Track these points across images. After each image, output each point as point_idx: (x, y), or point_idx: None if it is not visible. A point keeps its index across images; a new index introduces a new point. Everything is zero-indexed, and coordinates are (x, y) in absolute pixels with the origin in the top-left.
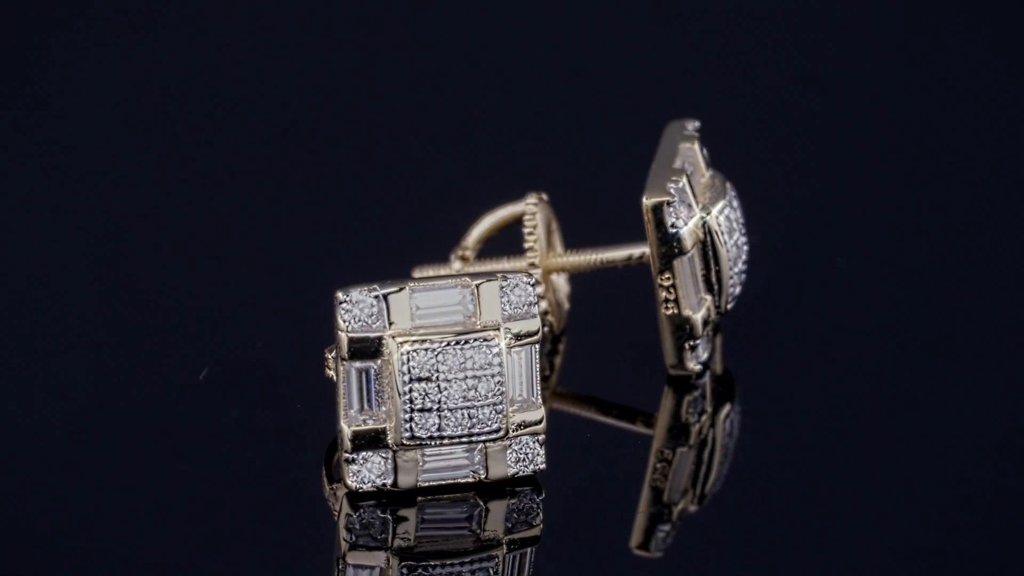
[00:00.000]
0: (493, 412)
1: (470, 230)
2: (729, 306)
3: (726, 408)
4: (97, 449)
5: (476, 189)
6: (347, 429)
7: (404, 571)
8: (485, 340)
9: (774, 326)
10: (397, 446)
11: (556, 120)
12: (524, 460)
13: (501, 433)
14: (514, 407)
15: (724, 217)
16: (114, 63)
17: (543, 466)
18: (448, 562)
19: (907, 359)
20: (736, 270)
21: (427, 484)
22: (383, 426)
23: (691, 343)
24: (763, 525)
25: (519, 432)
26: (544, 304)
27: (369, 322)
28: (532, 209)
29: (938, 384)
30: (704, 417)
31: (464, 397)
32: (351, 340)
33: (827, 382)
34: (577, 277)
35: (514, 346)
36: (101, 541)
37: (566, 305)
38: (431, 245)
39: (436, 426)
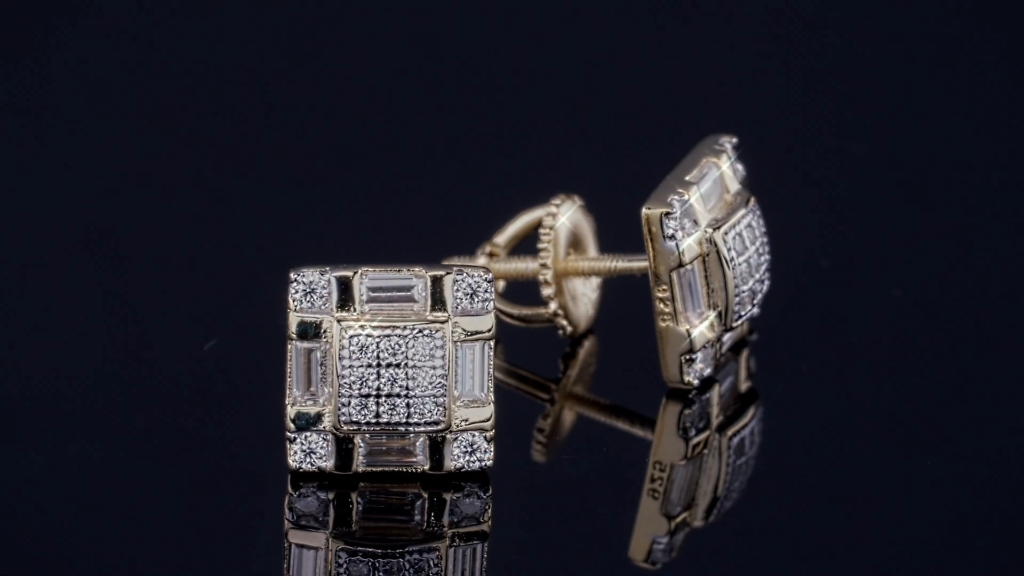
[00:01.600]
0: (433, 404)
1: (504, 227)
2: (736, 324)
3: (739, 425)
4: (43, 428)
5: (523, 188)
6: (289, 408)
7: (342, 555)
8: (430, 331)
9: (805, 347)
10: (336, 429)
11: (609, 125)
12: (469, 455)
13: (442, 426)
14: (461, 401)
15: (735, 234)
16: (118, 64)
17: (490, 463)
18: (387, 551)
19: (936, 387)
20: (745, 288)
21: (369, 470)
22: (324, 408)
23: (687, 357)
24: (765, 549)
25: (465, 427)
26: (553, 306)
27: (318, 303)
28: (552, 210)
29: (966, 411)
30: (707, 433)
31: (404, 386)
32: (297, 319)
33: (851, 408)
34: (610, 283)
35: (464, 340)
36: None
37: (590, 311)
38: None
39: (374, 413)
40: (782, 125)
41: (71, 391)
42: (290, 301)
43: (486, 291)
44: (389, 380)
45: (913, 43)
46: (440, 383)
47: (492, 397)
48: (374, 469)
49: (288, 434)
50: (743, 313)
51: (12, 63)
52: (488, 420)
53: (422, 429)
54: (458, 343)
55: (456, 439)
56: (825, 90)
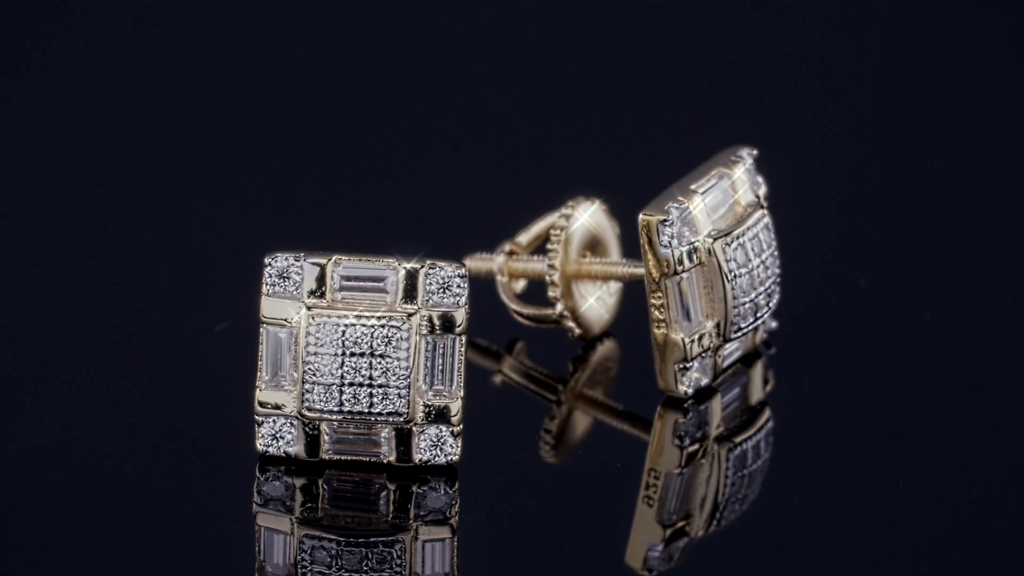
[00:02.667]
0: (397, 395)
1: (528, 227)
2: (735, 335)
3: (742, 437)
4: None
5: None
6: (258, 392)
7: (304, 539)
8: (397, 323)
9: (819, 362)
10: (301, 415)
11: (651, 130)
12: (436, 449)
13: (406, 418)
14: (427, 395)
15: (738, 246)
16: (118, 60)
17: (455, 457)
18: (349, 539)
19: (949, 404)
20: (746, 300)
21: (335, 458)
22: (291, 394)
23: (681, 366)
24: (764, 563)
25: (430, 420)
26: (559, 307)
27: (291, 288)
28: (567, 212)
29: (977, 430)
30: (705, 443)
31: (368, 376)
32: (268, 304)
33: (863, 425)
34: (633, 287)
35: (433, 334)
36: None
37: (604, 315)
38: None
39: (338, 401)
40: (809, 134)
41: (43, 372)
42: (263, 284)
43: (459, 286)
44: (353, 369)
45: (939, 56)
46: (404, 374)
47: (461, 392)
48: (341, 457)
49: (256, 418)
50: (743, 325)
51: None
52: (455, 415)
53: (386, 420)
54: (427, 336)
55: (423, 432)
56: (848, 101)
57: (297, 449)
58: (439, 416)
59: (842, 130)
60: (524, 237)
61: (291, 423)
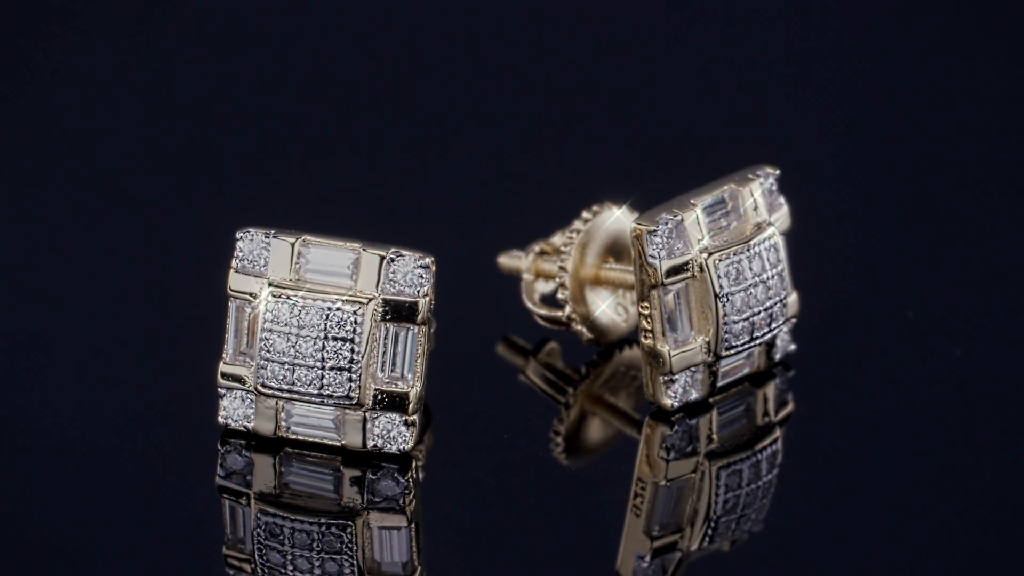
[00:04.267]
0: (346, 379)
1: (565, 228)
2: (728, 353)
3: (739, 456)
4: None
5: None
6: (221, 365)
7: (258, 515)
8: (350, 306)
9: (832, 386)
10: (255, 392)
11: (699, 141)
12: (385, 437)
13: (354, 402)
14: (383, 382)
15: (732, 263)
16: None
17: (408, 446)
18: (299, 519)
19: (956, 433)
20: (740, 319)
21: (292, 437)
22: (250, 369)
23: (665, 378)
24: None
25: (383, 408)
26: (568, 310)
27: (258, 265)
28: (587, 216)
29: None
30: (695, 458)
31: (319, 358)
32: (235, 278)
33: (871, 455)
34: None
35: (389, 321)
36: None
37: (620, 323)
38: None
39: (287, 379)
40: (838, 155)
41: (6, 342)
42: (232, 259)
43: (420, 277)
44: (306, 349)
45: (966, 76)
46: (353, 358)
47: (418, 383)
48: (298, 437)
49: (219, 390)
50: (737, 344)
51: None
52: (409, 404)
53: (336, 403)
54: (385, 324)
55: (376, 419)
56: (879, 123)
57: (256, 424)
58: (392, 404)
59: (869, 153)
60: (558, 238)
61: (250, 398)
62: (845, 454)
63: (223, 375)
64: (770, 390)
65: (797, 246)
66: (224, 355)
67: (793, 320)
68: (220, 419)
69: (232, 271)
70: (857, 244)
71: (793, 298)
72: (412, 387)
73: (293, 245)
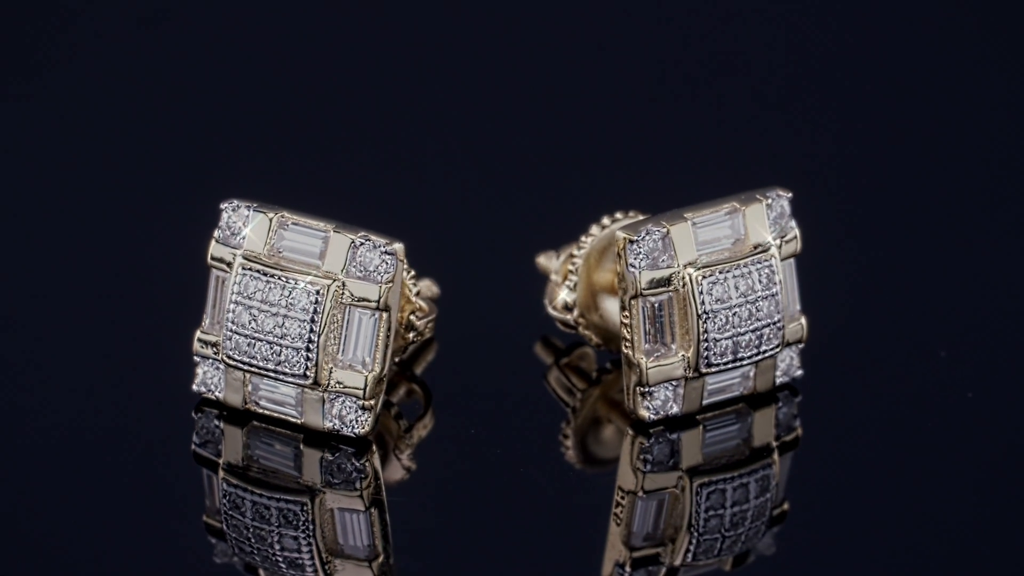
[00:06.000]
0: (300, 357)
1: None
2: (708, 371)
3: (726, 476)
4: None
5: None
6: (198, 333)
7: (224, 484)
8: (312, 286)
9: (845, 413)
10: (223, 362)
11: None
12: (342, 419)
13: (310, 381)
14: (338, 363)
15: (718, 280)
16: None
17: (363, 430)
18: (260, 492)
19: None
20: (723, 337)
21: (259, 411)
22: (218, 338)
23: (641, 389)
24: None
25: (339, 390)
26: (575, 313)
27: (236, 235)
28: (605, 223)
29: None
30: (677, 473)
31: (277, 334)
32: (215, 248)
33: (864, 485)
34: None
35: (350, 304)
36: None
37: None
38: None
39: (248, 353)
40: (855, 181)
41: None
42: (216, 230)
43: (384, 263)
44: (263, 324)
45: (984, 101)
46: (309, 337)
47: (378, 368)
48: (263, 411)
49: (195, 358)
50: (719, 363)
51: None
52: (363, 389)
53: (291, 380)
54: (346, 306)
55: (333, 401)
56: (881, 147)
57: (225, 395)
58: (347, 386)
59: (880, 177)
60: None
61: (218, 368)
62: (845, 484)
63: (200, 342)
64: (768, 413)
65: (807, 270)
66: (203, 323)
67: (800, 345)
68: (194, 387)
69: (213, 240)
70: (867, 269)
71: (799, 323)
72: (370, 372)
73: (271, 220)
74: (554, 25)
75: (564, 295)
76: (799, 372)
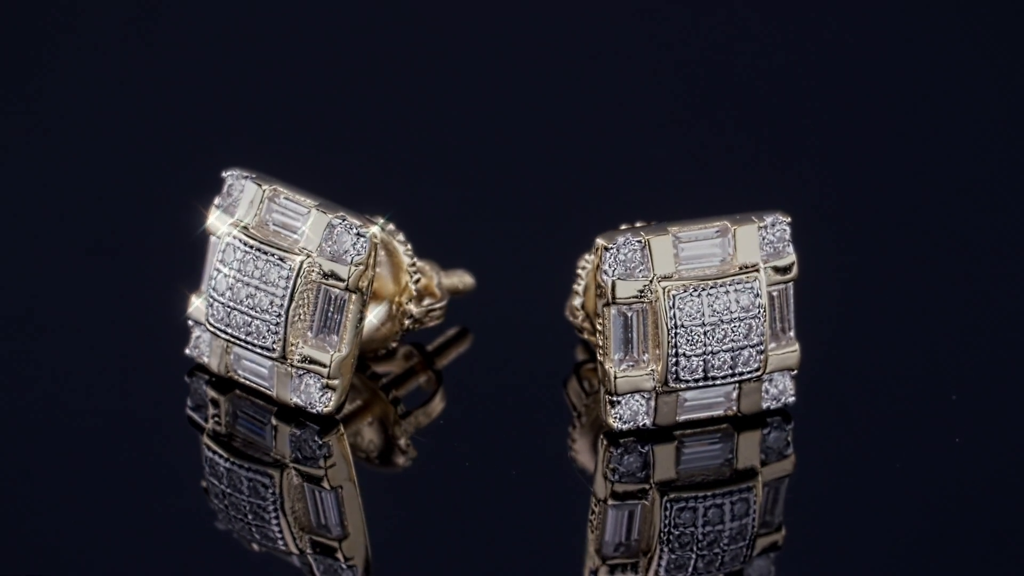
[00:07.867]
0: (269, 331)
1: None
2: (677, 386)
3: (695, 494)
4: None
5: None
6: (193, 298)
7: (207, 452)
8: (286, 261)
9: (840, 444)
10: (207, 328)
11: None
12: (307, 396)
13: (276, 354)
14: (310, 340)
15: (694, 298)
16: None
17: (326, 408)
18: (236, 461)
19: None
20: (694, 354)
21: (238, 379)
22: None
23: (610, 398)
24: None
25: (304, 366)
26: (580, 318)
27: (232, 204)
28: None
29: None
30: (646, 486)
31: (251, 306)
32: (214, 215)
33: (853, 514)
34: None
35: (321, 282)
36: None
37: None
38: None
39: (224, 320)
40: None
41: None
42: (217, 197)
43: (355, 244)
44: (237, 293)
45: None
46: (278, 311)
47: (345, 349)
48: (241, 380)
49: (189, 322)
50: (689, 379)
51: None
52: (326, 366)
53: (259, 350)
54: (319, 284)
55: (301, 376)
56: (876, 174)
57: (211, 361)
58: (313, 364)
59: (875, 203)
60: None
61: (207, 334)
62: (839, 510)
63: (194, 315)
64: (754, 437)
65: (805, 296)
66: (200, 288)
67: (793, 371)
68: (187, 351)
69: (213, 207)
70: (862, 294)
71: (791, 350)
72: (336, 351)
73: (263, 192)
74: (596, 34)
75: (574, 300)
76: (792, 399)
